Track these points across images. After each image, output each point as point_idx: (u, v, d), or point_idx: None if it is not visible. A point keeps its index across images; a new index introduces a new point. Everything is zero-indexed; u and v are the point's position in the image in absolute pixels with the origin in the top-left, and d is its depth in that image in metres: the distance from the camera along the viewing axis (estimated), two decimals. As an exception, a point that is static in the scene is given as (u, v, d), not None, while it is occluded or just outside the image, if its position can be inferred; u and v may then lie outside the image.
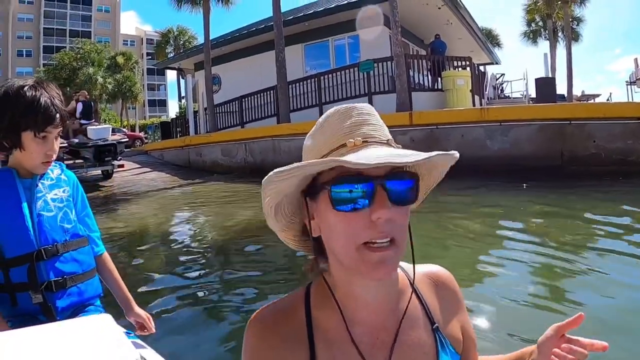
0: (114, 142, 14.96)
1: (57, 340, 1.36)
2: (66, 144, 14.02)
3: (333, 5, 18.86)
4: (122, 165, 16.14)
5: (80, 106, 15.50)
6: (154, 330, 2.28)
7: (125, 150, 18.37)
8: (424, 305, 1.02)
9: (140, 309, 2.29)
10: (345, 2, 18.39)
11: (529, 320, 3.59)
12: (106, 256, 2.30)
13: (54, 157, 2.06)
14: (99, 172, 16.10)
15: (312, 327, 0.96)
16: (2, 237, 1.91)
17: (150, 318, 2.30)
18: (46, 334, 1.42)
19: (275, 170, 0.86)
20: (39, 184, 2.05)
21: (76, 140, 14.52)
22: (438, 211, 7.42)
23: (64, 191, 2.12)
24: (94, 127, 15.10)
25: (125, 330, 1.90)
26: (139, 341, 2.13)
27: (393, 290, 0.99)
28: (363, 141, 0.90)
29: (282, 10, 17.63)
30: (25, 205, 1.96)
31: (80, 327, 1.51)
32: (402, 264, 1.06)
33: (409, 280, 1.03)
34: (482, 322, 3.52)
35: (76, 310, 2.05)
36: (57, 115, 2.00)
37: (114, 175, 16.40)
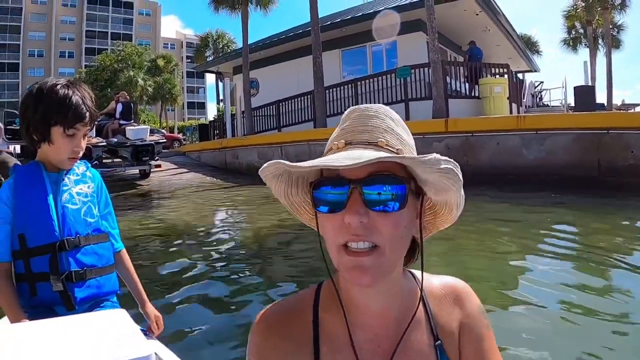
0: (152, 142, 15.35)
1: (73, 333, 1.39)
2: (105, 143, 14.44)
3: (371, 11, 18.97)
4: (159, 166, 16.51)
5: (120, 107, 15.91)
6: (156, 333, 2.31)
7: (164, 150, 18.73)
8: (429, 318, 0.97)
9: (152, 308, 2.34)
10: (383, 8, 18.48)
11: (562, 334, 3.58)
12: (124, 253, 2.34)
13: (81, 154, 2.13)
14: (137, 171, 16.51)
15: (319, 328, 0.95)
16: (27, 227, 1.98)
17: (160, 318, 2.35)
18: (62, 327, 1.47)
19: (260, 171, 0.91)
20: (65, 178, 2.12)
21: (115, 140, 14.90)
22: (469, 218, 7.46)
23: (88, 187, 2.18)
24: (133, 127, 15.50)
25: (140, 328, 1.91)
26: (152, 337, 2.24)
27: (398, 297, 0.95)
28: (346, 143, 0.90)
29: (320, 15, 17.82)
30: (51, 197, 2.02)
31: (96, 320, 1.55)
32: (416, 272, 1.02)
33: (421, 291, 0.99)
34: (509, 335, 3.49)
35: (94, 303, 2.10)
36: (87, 114, 2.07)
37: (151, 174, 16.79)
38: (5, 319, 1.99)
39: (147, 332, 2.25)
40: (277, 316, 0.97)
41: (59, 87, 2.02)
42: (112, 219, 2.30)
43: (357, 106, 0.96)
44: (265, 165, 0.88)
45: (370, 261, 0.82)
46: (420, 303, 0.97)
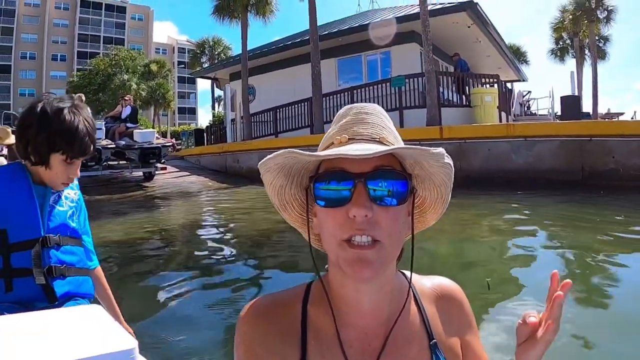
0: (159, 145, 15.69)
1: (51, 327, 1.32)
2: (113, 145, 14.79)
3: (367, 22, 19.63)
4: (164, 168, 16.87)
5: (128, 110, 16.37)
6: None
7: (164, 154, 19.08)
8: (424, 318, 0.98)
9: (126, 326, 2.29)
10: (379, 19, 19.13)
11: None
12: (100, 270, 2.33)
13: (74, 180, 2.13)
14: (140, 173, 16.84)
15: (306, 323, 0.95)
16: (9, 223, 1.92)
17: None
18: (39, 320, 1.39)
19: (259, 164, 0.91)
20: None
21: (122, 142, 15.20)
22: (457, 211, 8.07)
23: (75, 194, 2.18)
24: (140, 130, 16.02)
25: None
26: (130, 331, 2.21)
27: (390, 296, 0.95)
28: (349, 139, 0.90)
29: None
30: (35, 195, 1.98)
31: (73, 314, 1.48)
32: (408, 273, 1.01)
33: (413, 291, 1.00)
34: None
35: (71, 300, 2.03)
36: (91, 147, 2.04)
37: (155, 177, 17.09)
38: None
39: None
40: (266, 306, 0.97)
41: (65, 112, 1.96)
42: (89, 238, 2.28)
43: (353, 104, 0.98)
44: (271, 155, 0.87)
45: (373, 254, 0.83)
46: (412, 302, 0.99)
